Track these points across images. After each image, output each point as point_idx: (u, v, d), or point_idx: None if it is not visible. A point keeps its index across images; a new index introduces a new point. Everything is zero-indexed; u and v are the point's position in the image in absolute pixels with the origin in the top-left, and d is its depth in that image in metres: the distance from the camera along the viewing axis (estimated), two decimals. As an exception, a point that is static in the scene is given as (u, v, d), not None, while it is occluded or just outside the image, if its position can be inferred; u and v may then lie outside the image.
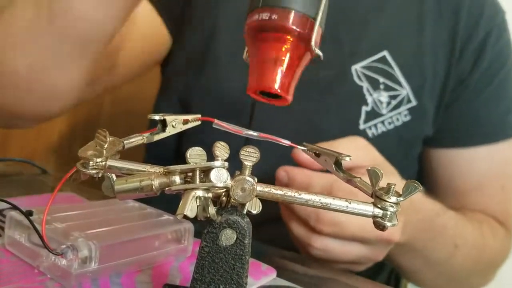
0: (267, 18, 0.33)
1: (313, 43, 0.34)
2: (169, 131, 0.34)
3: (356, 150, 0.49)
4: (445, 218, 0.59)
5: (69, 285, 0.33)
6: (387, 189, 0.29)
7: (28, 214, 0.35)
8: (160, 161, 0.50)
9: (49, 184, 0.63)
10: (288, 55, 0.34)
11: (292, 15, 0.33)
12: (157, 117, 0.33)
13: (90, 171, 0.29)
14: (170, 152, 0.74)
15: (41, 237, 0.32)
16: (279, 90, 0.33)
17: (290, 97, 0.34)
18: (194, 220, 0.32)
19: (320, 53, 0.35)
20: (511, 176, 0.73)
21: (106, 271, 0.34)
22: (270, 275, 0.40)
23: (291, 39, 0.34)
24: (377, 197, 0.29)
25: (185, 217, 0.27)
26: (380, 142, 0.67)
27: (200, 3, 0.72)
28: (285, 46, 0.34)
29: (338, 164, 0.31)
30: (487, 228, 0.67)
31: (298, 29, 0.33)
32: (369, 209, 0.29)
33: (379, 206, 0.29)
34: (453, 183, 0.73)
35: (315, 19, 0.34)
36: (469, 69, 0.70)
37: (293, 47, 0.34)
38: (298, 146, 0.34)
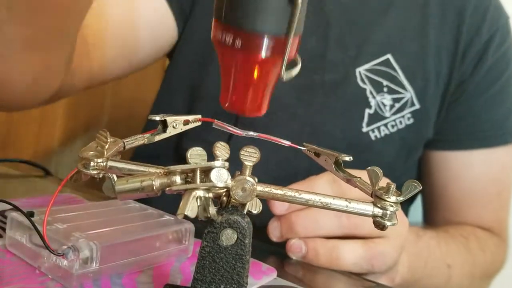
0: (230, 42, 0.29)
1: (283, 68, 0.29)
2: (170, 132, 0.34)
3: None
4: (426, 239, 0.58)
5: (70, 285, 0.33)
6: (387, 189, 0.29)
7: (29, 215, 0.35)
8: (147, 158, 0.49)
9: (50, 185, 0.63)
10: (259, 77, 0.30)
11: (259, 41, 0.28)
12: (157, 118, 0.33)
13: (91, 172, 0.29)
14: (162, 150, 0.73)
15: (42, 237, 0.32)
16: (250, 114, 0.31)
17: (263, 112, 0.32)
18: (194, 220, 0.32)
19: (294, 73, 0.31)
20: (507, 182, 0.73)
21: (107, 272, 0.35)
22: (271, 275, 0.40)
23: (261, 64, 0.30)
24: (377, 197, 0.29)
25: (186, 217, 0.27)
26: (383, 145, 0.67)
27: (206, 4, 0.71)
28: (255, 70, 0.30)
29: (338, 164, 0.32)
30: (475, 243, 0.66)
31: (267, 55, 0.29)
32: (369, 208, 0.29)
33: (379, 205, 0.29)
34: (449, 187, 0.72)
35: (287, 35, 0.29)
36: (470, 71, 0.70)
37: (263, 70, 0.30)
38: (298, 146, 0.34)
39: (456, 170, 0.72)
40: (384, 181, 0.29)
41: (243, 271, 0.29)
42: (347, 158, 0.31)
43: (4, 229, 0.39)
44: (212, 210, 0.28)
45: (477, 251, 0.65)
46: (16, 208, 0.37)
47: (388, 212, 0.29)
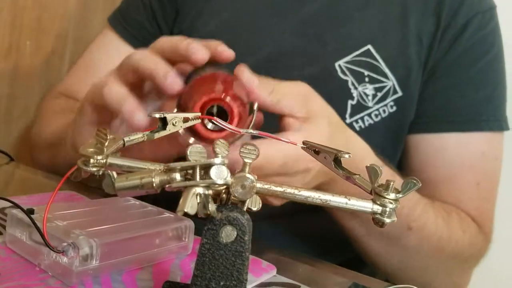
0: None
1: None
2: (170, 129, 0.34)
3: (294, 97, 0.45)
4: None
5: (70, 282, 0.33)
6: (386, 186, 0.29)
7: (29, 212, 0.35)
8: None
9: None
10: None
11: None
12: (157, 115, 0.33)
13: (91, 169, 0.29)
14: None
15: (42, 235, 0.32)
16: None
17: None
18: (194, 217, 0.32)
19: None
20: (489, 173, 0.71)
21: (107, 269, 0.35)
22: (270, 272, 0.40)
23: None
24: (376, 194, 0.29)
25: (186, 214, 0.27)
26: (368, 135, 0.67)
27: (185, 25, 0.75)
28: None
29: (337, 161, 0.32)
30: (456, 220, 0.64)
31: None
32: (368, 205, 0.29)
33: (378, 202, 0.29)
34: (424, 172, 0.70)
35: None
36: (444, 52, 0.69)
37: None
38: (297, 144, 0.34)
39: (430, 155, 0.70)
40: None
41: (243, 268, 0.29)
42: (347, 155, 0.31)
43: (4, 226, 0.39)
44: (212, 207, 0.28)
45: (456, 229, 0.64)
46: (16, 206, 0.37)
47: (388, 209, 0.29)
